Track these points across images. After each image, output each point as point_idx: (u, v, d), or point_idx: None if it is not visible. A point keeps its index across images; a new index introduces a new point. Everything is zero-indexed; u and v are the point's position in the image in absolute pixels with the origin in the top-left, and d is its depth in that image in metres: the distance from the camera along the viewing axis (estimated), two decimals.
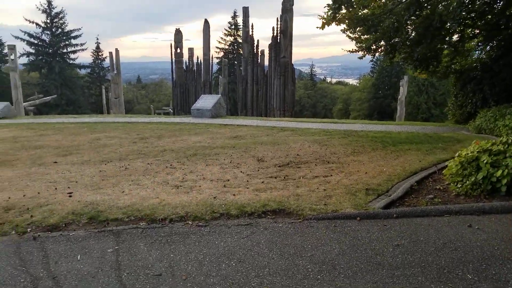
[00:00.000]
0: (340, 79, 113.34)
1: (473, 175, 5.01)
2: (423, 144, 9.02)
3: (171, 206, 4.82)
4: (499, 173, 4.75)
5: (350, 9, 8.97)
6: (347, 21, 9.95)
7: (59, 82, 46.47)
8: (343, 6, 8.36)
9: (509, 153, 4.91)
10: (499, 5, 10.35)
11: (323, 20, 9.51)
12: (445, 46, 11.28)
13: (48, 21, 47.75)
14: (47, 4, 47.47)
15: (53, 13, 47.84)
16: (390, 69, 43.39)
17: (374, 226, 4.20)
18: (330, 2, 8.86)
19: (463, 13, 8.88)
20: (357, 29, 10.71)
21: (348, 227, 4.21)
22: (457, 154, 5.60)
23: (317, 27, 9.87)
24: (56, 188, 6.02)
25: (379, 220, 4.36)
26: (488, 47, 12.54)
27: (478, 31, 11.28)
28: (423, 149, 8.37)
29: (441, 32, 9.41)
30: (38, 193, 5.75)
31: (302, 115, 55.77)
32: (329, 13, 9.10)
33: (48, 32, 47.92)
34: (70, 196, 5.48)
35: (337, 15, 9.00)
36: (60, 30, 48.62)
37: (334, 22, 9.37)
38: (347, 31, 10.83)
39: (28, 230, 4.40)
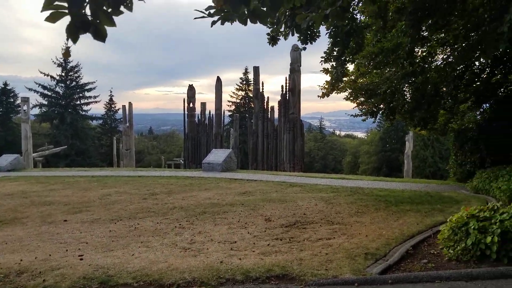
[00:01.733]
0: (349, 132, 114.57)
1: (463, 240, 5.23)
2: (423, 204, 9.25)
3: (178, 271, 5.04)
4: (488, 239, 4.98)
5: (345, 82, 9.66)
6: (348, 89, 10.65)
7: (70, 132, 47.01)
8: (339, 81, 9.02)
9: (494, 219, 5.17)
10: (484, 76, 11.12)
11: (323, 91, 10.19)
12: (441, 108, 11.90)
13: (63, 74, 48.98)
14: (63, 59, 48.34)
15: (68, 66, 49.23)
16: (396, 124, 44.11)
17: None
18: (328, 79, 9.59)
19: (455, 82, 9.51)
20: (358, 97, 11.40)
21: None
22: (448, 219, 5.85)
23: (318, 96, 10.55)
24: (67, 250, 6.21)
25: (375, 286, 4.58)
26: (482, 109, 13.19)
27: (469, 95, 11.96)
28: (422, 210, 8.60)
29: (435, 99, 10.00)
30: (50, 255, 5.92)
31: (313, 167, 56.01)
32: (327, 86, 9.77)
33: (63, 84, 49.05)
34: (81, 259, 5.65)
35: (335, 87, 9.67)
36: (74, 83, 49.82)
37: (334, 92, 10.04)
38: (348, 99, 11.52)
39: None
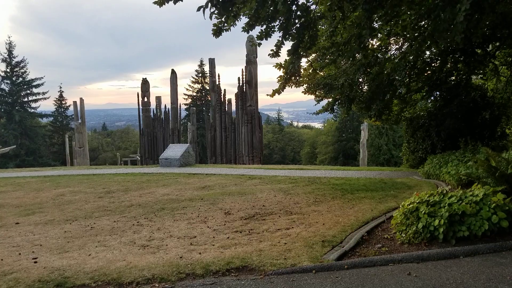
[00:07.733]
0: (306, 123, 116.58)
1: (414, 224, 5.53)
2: (377, 191, 9.61)
3: (137, 269, 4.97)
4: (436, 222, 5.29)
5: (303, 76, 9.72)
6: (306, 84, 10.74)
7: (18, 131, 45.20)
8: (293, 77, 9.07)
9: (443, 203, 5.49)
10: (436, 64, 11.63)
11: (274, 89, 10.14)
12: (395, 98, 12.33)
13: (8, 70, 46.96)
14: (7, 54, 46.91)
15: (13, 62, 47.22)
16: (352, 113, 45.48)
17: (328, 278, 4.55)
18: (281, 74, 9.58)
19: (407, 71, 9.88)
20: (316, 91, 11.55)
21: (304, 280, 4.53)
22: (401, 205, 6.15)
23: (267, 95, 10.55)
24: (20, 254, 5.99)
25: (332, 272, 4.72)
26: (432, 97, 13.78)
27: (421, 85, 12.46)
28: (376, 196, 8.93)
29: (390, 89, 10.34)
30: (1, 259, 5.70)
31: (272, 158, 56.65)
32: (280, 83, 9.71)
33: (8, 81, 46.96)
34: (35, 262, 5.48)
35: (287, 83, 9.67)
36: (21, 79, 47.82)
37: (292, 87, 10.07)
38: (307, 93, 11.64)
39: None
